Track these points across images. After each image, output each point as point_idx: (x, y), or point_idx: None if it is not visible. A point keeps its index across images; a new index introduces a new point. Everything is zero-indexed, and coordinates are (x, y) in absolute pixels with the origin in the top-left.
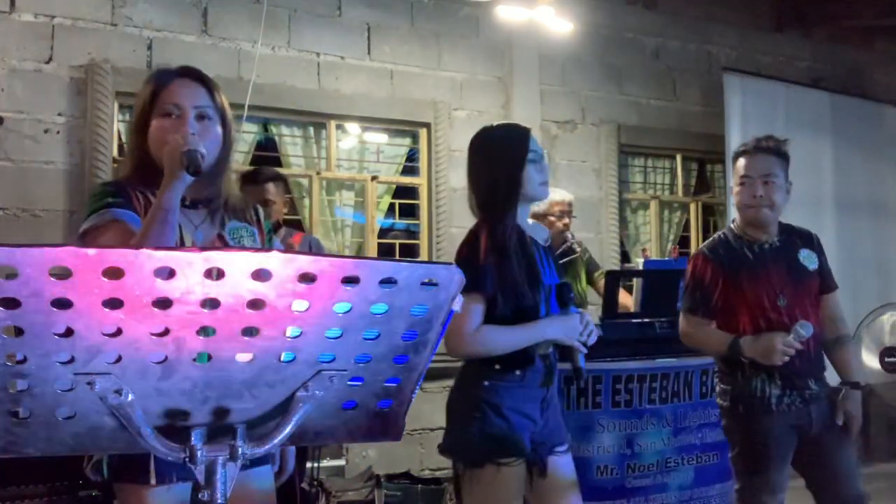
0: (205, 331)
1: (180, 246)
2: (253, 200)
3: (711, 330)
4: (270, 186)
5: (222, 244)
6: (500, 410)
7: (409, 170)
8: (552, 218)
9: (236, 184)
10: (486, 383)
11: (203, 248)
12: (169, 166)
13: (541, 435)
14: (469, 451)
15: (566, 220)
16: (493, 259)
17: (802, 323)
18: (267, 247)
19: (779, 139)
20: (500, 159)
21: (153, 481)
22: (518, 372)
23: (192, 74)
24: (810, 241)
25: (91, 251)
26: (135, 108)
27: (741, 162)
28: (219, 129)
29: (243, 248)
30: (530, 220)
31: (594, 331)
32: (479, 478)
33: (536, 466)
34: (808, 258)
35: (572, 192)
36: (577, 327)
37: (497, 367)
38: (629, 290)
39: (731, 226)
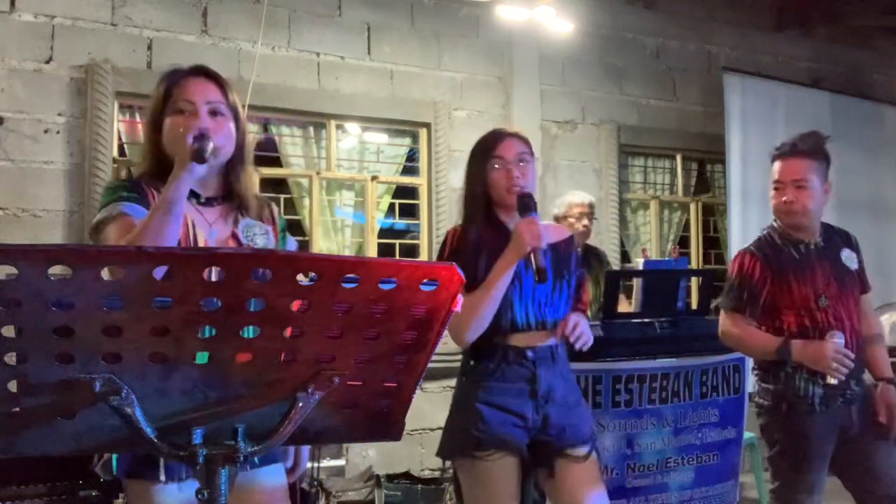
0: (205, 331)
1: (194, 244)
2: None
3: (758, 332)
4: None
5: (236, 243)
6: (473, 404)
7: (409, 170)
8: (571, 220)
9: (254, 182)
10: (463, 379)
11: (210, 248)
12: (179, 157)
13: (543, 434)
14: (448, 445)
15: (585, 222)
16: (456, 256)
17: (834, 333)
18: (279, 246)
19: (818, 139)
20: (470, 165)
21: (163, 478)
22: (491, 365)
23: (204, 72)
24: (849, 240)
25: (91, 251)
26: (148, 108)
27: (776, 165)
28: (231, 126)
29: (249, 247)
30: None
31: (535, 220)
32: (462, 470)
33: (543, 468)
34: (849, 258)
35: (572, 192)
36: (522, 234)
37: (472, 362)
38: (629, 290)
39: (775, 225)
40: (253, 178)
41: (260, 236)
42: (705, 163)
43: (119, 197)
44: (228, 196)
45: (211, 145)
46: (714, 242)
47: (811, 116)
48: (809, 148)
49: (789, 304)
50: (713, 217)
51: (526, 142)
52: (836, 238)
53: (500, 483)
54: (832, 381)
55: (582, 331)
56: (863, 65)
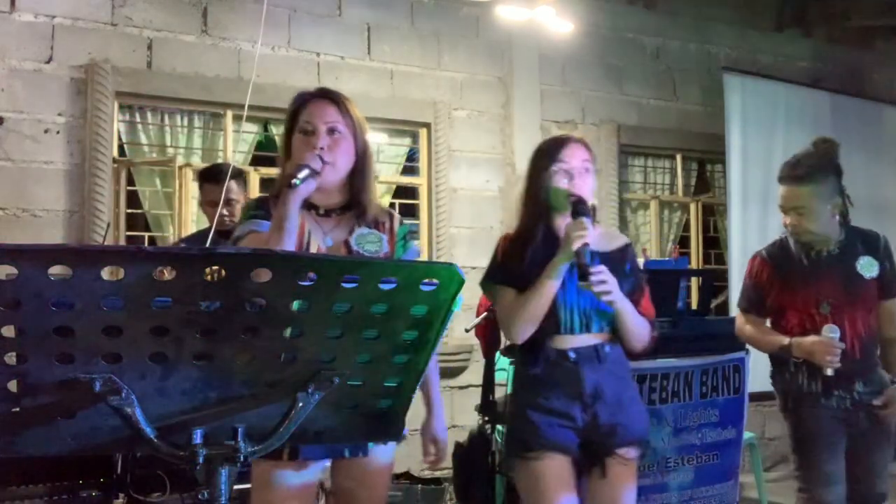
0: (205, 331)
1: (306, 251)
2: (213, 199)
3: (767, 330)
4: (233, 185)
5: (347, 250)
6: (521, 407)
7: (409, 170)
8: None
9: (374, 193)
10: (516, 384)
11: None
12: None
13: (594, 433)
14: (506, 446)
15: None
16: (508, 257)
17: (829, 327)
18: (397, 254)
19: (820, 157)
20: (531, 169)
21: (285, 458)
22: (535, 369)
23: (325, 94)
24: (875, 246)
25: (91, 251)
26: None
27: (779, 190)
28: (349, 142)
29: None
30: (604, 229)
31: (583, 222)
32: (517, 470)
33: (595, 467)
34: (867, 266)
35: None
36: (568, 234)
37: (522, 366)
38: None
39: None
40: (373, 187)
41: (372, 244)
42: (705, 163)
43: (249, 216)
44: (349, 206)
45: (303, 173)
46: (714, 242)
47: (811, 116)
48: (806, 172)
49: (792, 308)
50: (713, 217)
51: (589, 149)
52: (858, 244)
53: (551, 480)
54: (829, 371)
55: (607, 279)
56: (863, 65)
